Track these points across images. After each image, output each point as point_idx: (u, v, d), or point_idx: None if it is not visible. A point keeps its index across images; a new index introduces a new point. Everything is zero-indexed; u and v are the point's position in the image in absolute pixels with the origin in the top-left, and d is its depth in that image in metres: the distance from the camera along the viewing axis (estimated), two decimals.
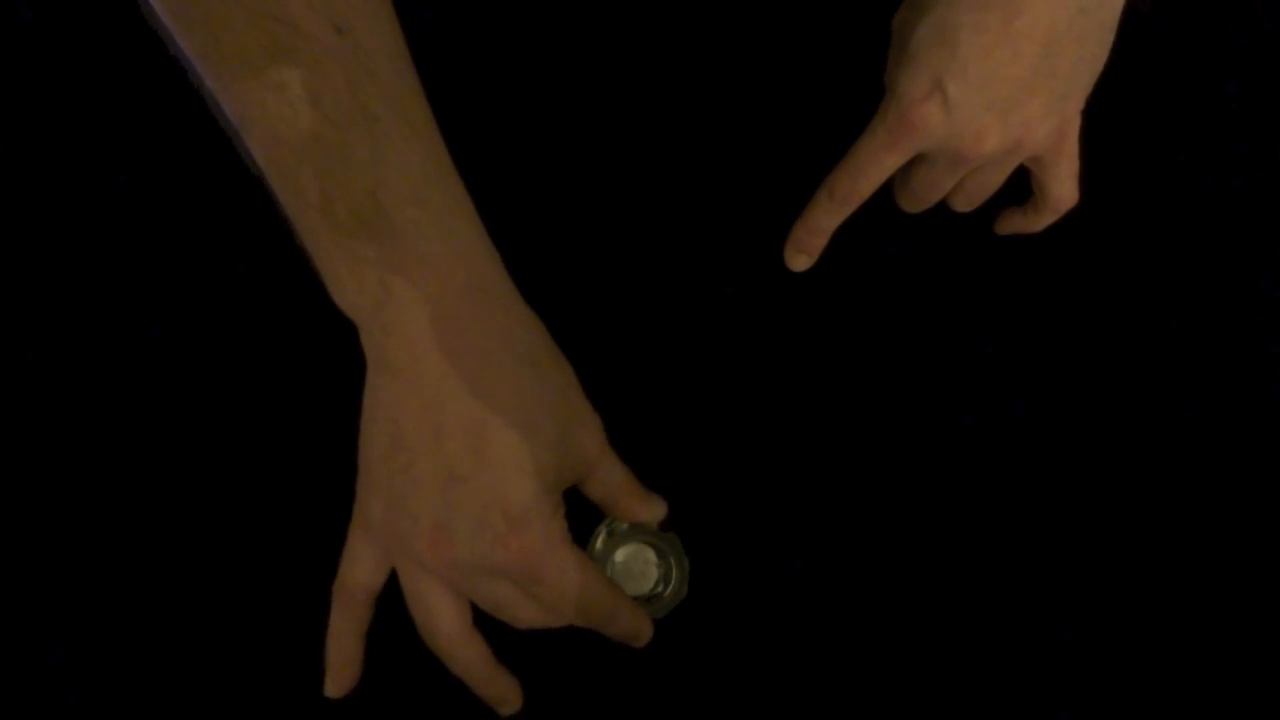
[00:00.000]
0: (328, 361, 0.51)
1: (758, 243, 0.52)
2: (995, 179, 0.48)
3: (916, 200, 0.49)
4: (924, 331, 0.51)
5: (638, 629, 0.45)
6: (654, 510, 0.47)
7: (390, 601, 0.50)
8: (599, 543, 0.49)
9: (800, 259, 0.51)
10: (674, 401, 0.51)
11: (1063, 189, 0.48)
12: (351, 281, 0.39)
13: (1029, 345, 0.51)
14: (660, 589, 0.49)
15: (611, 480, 0.44)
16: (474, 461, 0.38)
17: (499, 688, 0.44)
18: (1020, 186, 0.50)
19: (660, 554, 0.49)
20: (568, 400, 0.42)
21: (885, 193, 0.52)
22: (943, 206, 0.50)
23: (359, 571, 0.43)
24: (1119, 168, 0.51)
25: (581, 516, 0.50)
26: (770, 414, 0.51)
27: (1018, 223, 0.51)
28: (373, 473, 0.40)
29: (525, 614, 0.42)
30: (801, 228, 0.50)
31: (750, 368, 0.51)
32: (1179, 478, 0.50)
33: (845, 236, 0.51)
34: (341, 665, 0.44)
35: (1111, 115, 0.49)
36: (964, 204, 0.50)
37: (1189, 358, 0.51)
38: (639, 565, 0.49)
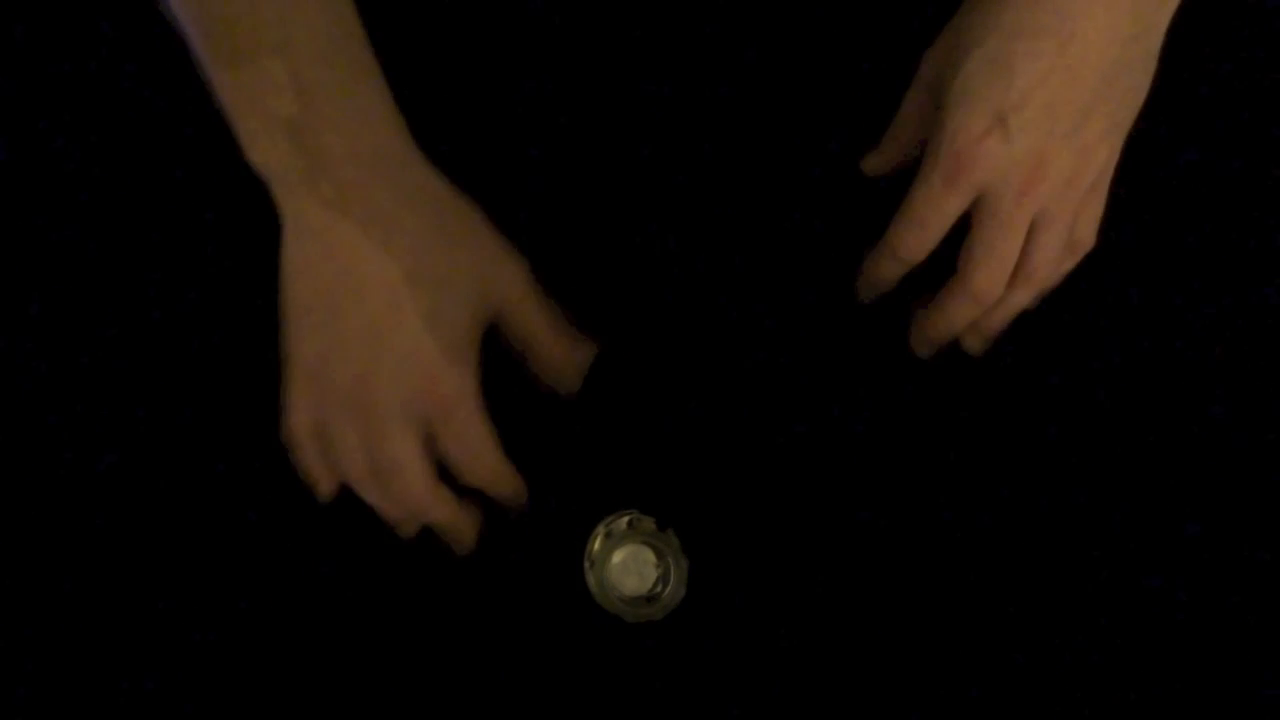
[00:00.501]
0: None
1: (758, 244, 0.52)
2: (1059, 232, 0.45)
3: (985, 281, 0.45)
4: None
5: (516, 493, 0.48)
6: (576, 351, 0.48)
7: (390, 600, 0.50)
8: (597, 543, 0.49)
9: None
10: (673, 401, 0.51)
11: (1086, 231, 0.47)
12: (263, 140, 0.41)
13: (1029, 344, 0.51)
14: (659, 589, 0.49)
15: (531, 321, 0.46)
16: (393, 318, 0.41)
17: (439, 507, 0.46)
18: None
19: (659, 554, 0.49)
20: (478, 249, 0.44)
21: (889, 188, 0.52)
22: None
23: (298, 416, 0.45)
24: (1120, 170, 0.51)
25: (581, 516, 0.50)
26: (770, 414, 0.51)
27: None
28: (300, 323, 0.43)
29: (417, 483, 0.45)
30: (866, 284, 0.49)
31: (750, 367, 0.51)
32: (1179, 478, 0.50)
33: (849, 240, 0.51)
34: (318, 484, 0.47)
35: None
36: (1034, 279, 0.46)
37: (1189, 358, 0.51)
38: (637, 565, 0.49)
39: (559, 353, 0.47)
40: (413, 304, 0.41)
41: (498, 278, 0.45)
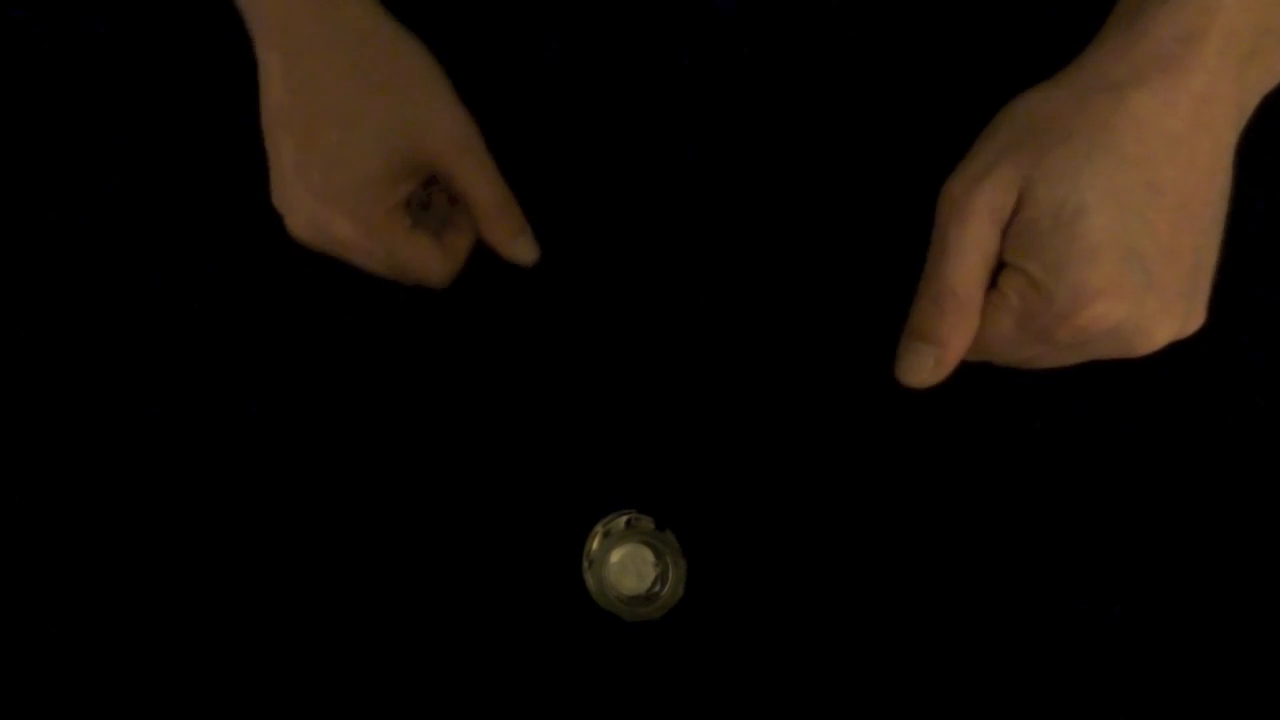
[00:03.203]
0: (322, 361, 0.52)
1: (758, 243, 0.52)
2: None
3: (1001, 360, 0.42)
4: None
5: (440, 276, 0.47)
6: (516, 244, 0.47)
7: (389, 600, 0.50)
8: (595, 543, 0.49)
9: None
10: (673, 400, 0.51)
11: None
12: None
13: None
14: (657, 589, 0.49)
15: (465, 181, 0.46)
16: (307, 153, 0.43)
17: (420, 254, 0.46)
18: None
19: (657, 553, 0.49)
20: (404, 96, 0.45)
21: (890, 188, 0.52)
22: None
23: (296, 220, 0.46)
24: None
25: (579, 516, 0.50)
26: (769, 413, 0.51)
27: None
28: (269, 150, 0.44)
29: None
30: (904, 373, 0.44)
31: (749, 366, 0.51)
32: (1179, 480, 0.50)
33: (851, 239, 0.51)
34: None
35: None
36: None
37: (1191, 359, 0.51)
38: (636, 565, 0.49)
39: (496, 217, 0.47)
40: (325, 140, 0.43)
41: (428, 133, 0.45)
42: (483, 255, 0.51)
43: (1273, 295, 0.51)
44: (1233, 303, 0.47)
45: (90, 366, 0.52)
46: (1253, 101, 0.40)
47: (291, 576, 0.50)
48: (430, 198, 0.48)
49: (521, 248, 0.47)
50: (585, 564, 0.49)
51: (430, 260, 0.46)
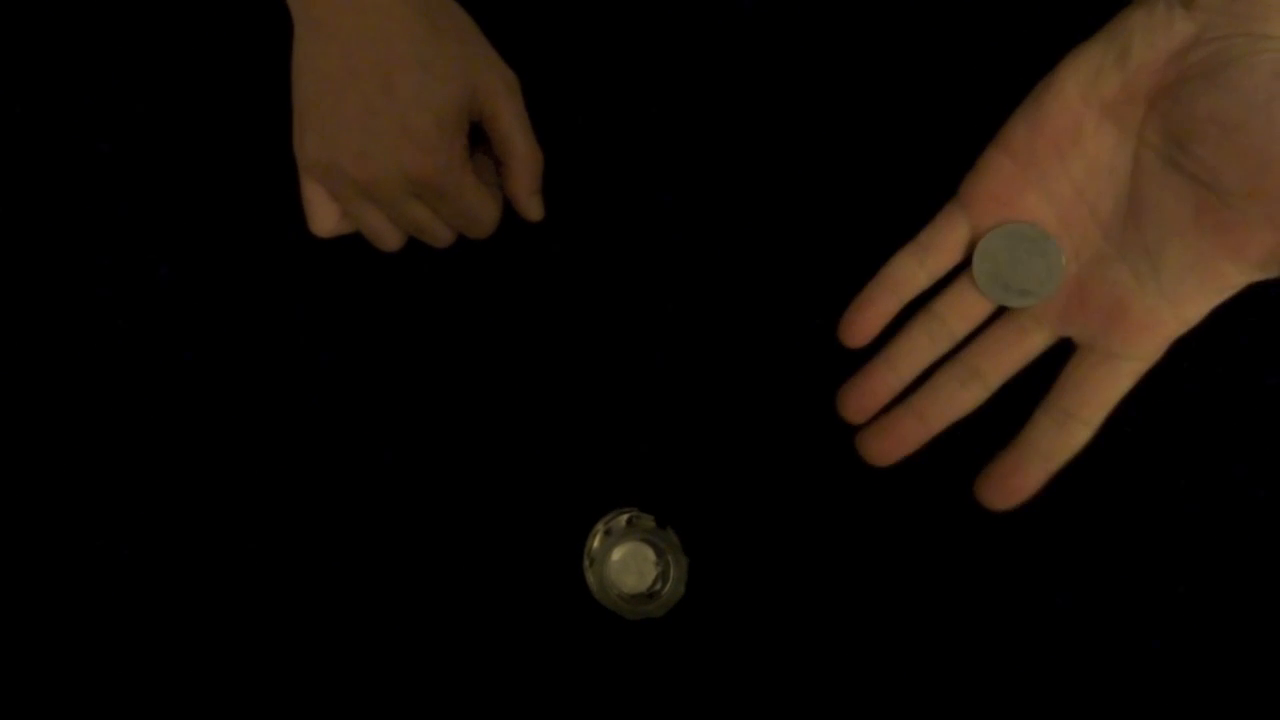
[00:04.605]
0: (324, 358, 0.52)
1: (759, 242, 0.52)
2: None
3: None
4: None
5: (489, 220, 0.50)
6: (529, 201, 0.50)
7: (390, 598, 0.50)
8: (596, 541, 0.49)
9: None
10: (674, 399, 0.51)
11: None
12: None
13: None
14: (658, 586, 0.49)
15: (508, 125, 0.49)
16: (385, 98, 0.45)
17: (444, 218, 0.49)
18: None
19: (658, 551, 0.49)
20: (466, 46, 0.48)
21: (901, 188, 0.52)
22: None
23: (318, 210, 0.49)
24: None
25: (581, 514, 0.50)
26: (769, 412, 0.51)
27: None
28: (306, 116, 0.47)
29: (438, 232, 0.49)
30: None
31: (749, 364, 0.51)
32: (1178, 480, 0.50)
33: (851, 237, 0.51)
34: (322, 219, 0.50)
35: None
36: None
37: (1193, 360, 0.51)
38: (637, 563, 0.49)
39: (528, 165, 0.49)
40: (404, 83, 0.45)
41: (483, 76, 0.48)
42: (485, 257, 0.51)
43: (1275, 288, 0.51)
44: (1233, 302, 0.47)
45: (90, 366, 0.52)
46: None
47: (293, 574, 0.50)
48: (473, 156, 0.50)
49: (535, 203, 0.51)
50: (586, 562, 0.49)
51: (490, 202, 0.49)
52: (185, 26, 0.53)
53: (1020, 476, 0.40)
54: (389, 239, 0.49)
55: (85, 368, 0.52)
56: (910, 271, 0.41)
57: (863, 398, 0.41)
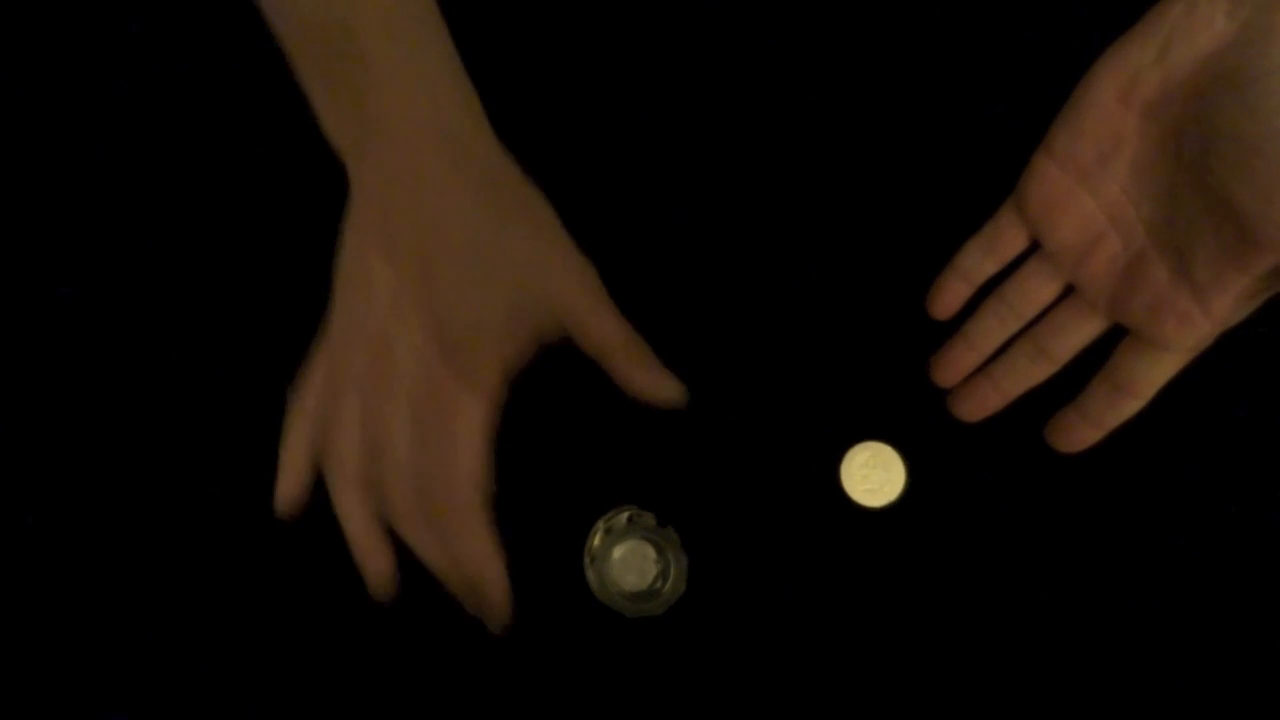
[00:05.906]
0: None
1: (759, 241, 0.52)
2: None
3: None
4: (927, 334, 0.51)
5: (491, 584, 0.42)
6: (659, 384, 0.43)
7: (394, 602, 0.50)
8: (597, 539, 0.49)
9: None
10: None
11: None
12: (331, 112, 0.41)
13: None
14: (659, 585, 0.49)
15: (601, 333, 0.42)
16: (422, 286, 0.39)
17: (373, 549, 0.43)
18: None
19: (659, 550, 0.49)
20: (537, 243, 0.42)
21: (899, 191, 0.52)
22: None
23: (308, 391, 0.43)
24: None
25: (581, 512, 0.50)
26: (769, 411, 0.51)
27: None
28: (339, 293, 0.42)
29: (398, 487, 0.41)
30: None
31: (749, 364, 0.51)
32: (1178, 480, 0.50)
33: (851, 235, 0.51)
34: (289, 474, 0.43)
35: None
36: None
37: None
38: (637, 561, 0.49)
39: (633, 357, 0.43)
40: (445, 275, 0.39)
41: (558, 278, 0.41)
42: None
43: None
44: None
45: (90, 367, 0.52)
46: None
47: (292, 572, 0.50)
48: None
49: (667, 384, 0.44)
50: (587, 560, 0.49)
51: (495, 557, 0.42)
52: (186, 26, 0.54)
53: (1075, 434, 0.44)
54: (342, 447, 0.42)
55: (83, 368, 0.52)
56: (976, 260, 0.45)
57: (947, 368, 0.47)
